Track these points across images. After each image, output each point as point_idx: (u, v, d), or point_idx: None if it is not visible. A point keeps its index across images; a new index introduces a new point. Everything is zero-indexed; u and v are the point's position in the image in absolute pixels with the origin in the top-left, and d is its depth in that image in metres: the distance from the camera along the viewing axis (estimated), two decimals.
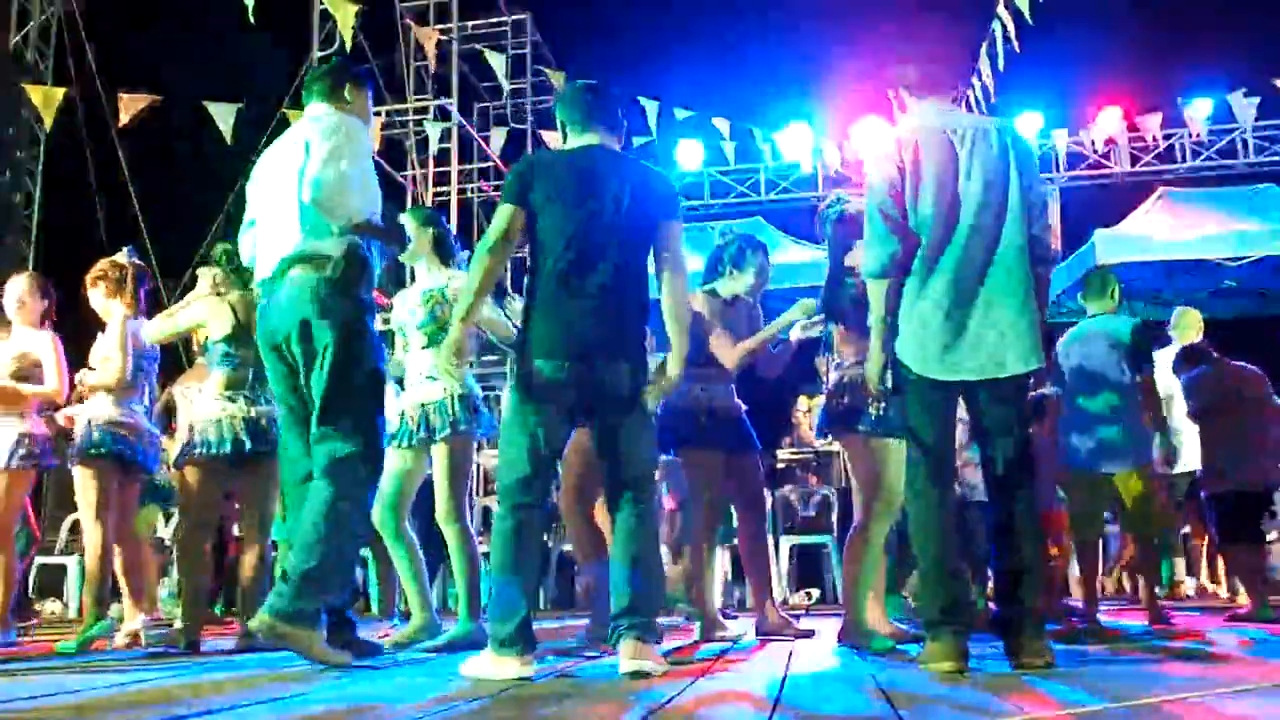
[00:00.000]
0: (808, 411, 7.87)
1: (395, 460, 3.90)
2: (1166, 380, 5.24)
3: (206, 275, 4.25)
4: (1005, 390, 2.94)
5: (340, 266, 3.25)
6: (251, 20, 7.59)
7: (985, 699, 2.29)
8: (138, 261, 4.63)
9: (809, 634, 4.16)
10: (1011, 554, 2.90)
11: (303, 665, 3.13)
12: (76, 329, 4.92)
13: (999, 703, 2.22)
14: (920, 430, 2.97)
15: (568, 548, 7.14)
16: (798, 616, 5.00)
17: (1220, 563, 6.59)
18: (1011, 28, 9.26)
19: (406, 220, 4.00)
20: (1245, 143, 11.11)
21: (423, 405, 3.91)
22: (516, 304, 3.69)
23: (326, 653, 3.12)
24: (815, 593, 7.36)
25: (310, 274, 3.25)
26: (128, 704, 2.47)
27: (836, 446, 5.62)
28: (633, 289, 2.96)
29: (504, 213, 2.97)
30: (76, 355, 4.75)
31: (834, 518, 7.22)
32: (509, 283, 10.79)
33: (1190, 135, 11.21)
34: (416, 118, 11.74)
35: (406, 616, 4.78)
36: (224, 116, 8.67)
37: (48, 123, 9.12)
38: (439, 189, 11.18)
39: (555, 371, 2.84)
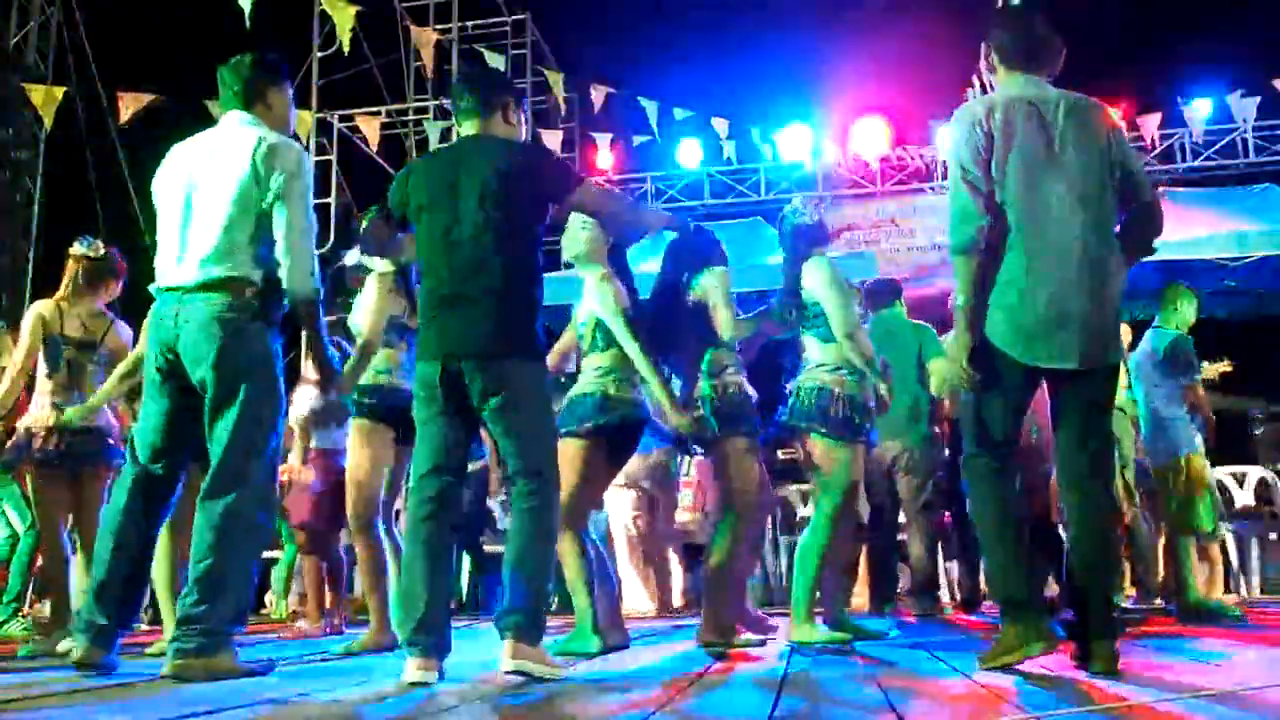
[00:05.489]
0: None
1: None
2: None
3: None
4: (1099, 379, 2.79)
5: (260, 293, 3.07)
6: (250, 21, 7.61)
7: (987, 694, 2.28)
8: (79, 251, 4.60)
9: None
10: (1081, 550, 2.75)
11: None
12: None
13: (1001, 700, 2.21)
14: (994, 421, 2.81)
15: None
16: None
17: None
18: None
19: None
20: (1245, 143, 11.11)
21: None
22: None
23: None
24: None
25: (228, 298, 3.03)
26: None
27: None
28: (509, 283, 2.86)
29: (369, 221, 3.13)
30: None
31: None
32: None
33: (1190, 135, 11.20)
34: (416, 118, 11.75)
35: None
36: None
37: (48, 123, 9.14)
38: None
39: (430, 373, 2.86)
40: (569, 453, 3.51)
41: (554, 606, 6.04)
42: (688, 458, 6.63)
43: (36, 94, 9.03)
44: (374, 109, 11.56)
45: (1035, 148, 2.76)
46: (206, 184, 3.10)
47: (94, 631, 3.01)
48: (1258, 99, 10.59)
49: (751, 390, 3.90)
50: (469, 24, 12.09)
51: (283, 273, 3.06)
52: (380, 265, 3.97)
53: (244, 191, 3.05)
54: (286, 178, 3.06)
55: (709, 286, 3.86)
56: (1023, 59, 2.89)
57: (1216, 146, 11.21)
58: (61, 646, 4.07)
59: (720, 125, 11.20)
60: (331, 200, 11.51)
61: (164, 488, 3.17)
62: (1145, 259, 2.95)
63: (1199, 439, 5.07)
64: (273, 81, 3.28)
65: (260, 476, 3.03)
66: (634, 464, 6.07)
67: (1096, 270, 2.74)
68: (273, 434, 3.09)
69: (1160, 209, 2.89)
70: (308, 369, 5.26)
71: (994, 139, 2.76)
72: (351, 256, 4.14)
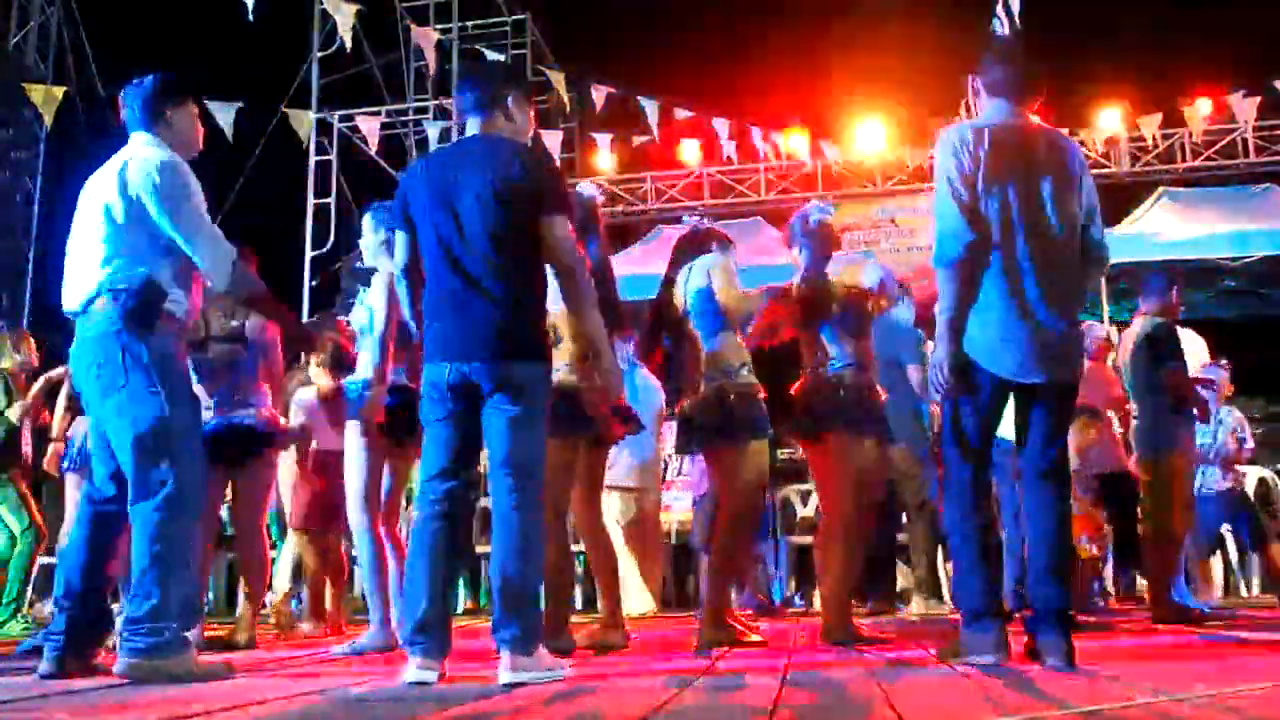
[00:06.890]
0: None
1: None
2: None
3: None
4: (1063, 394, 2.99)
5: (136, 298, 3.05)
6: (251, 15, 7.62)
7: (987, 695, 2.28)
8: None
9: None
10: (1040, 551, 2.91)
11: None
12: None
13: (1001, 700, 2.21)
14: (971, 432, 2.95)
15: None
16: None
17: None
18: (1007, 27, 9.28)
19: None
20: (1245, 143, 11.11)
21: None
22: None
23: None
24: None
25: (102, 313, 3.06)
26: None
27: None
28: (514, 285, 2.84)
29: (399, 242, 3.06)
30: None
31: None
32: None
33: (1190, 135, 11.20)
34: (416, 118, 11.76)
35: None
36: (224, 116, 8.68)
37: (48, 122, 9.13)
38: None
39: (435, 374, 2.86)
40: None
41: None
42: (686, 458, 6.63)
43: (36, 94, 9.02)
44: (374, 109, 11.57)
45: (1020, 177, 2.91)
46: (89, 207, 3.19)
47: (54, 646, 3.08)
48: (1258, 99, 10.59)
49: (760, 389, 3.92)
50: (469, 24, 12.11)
51: (209, 282, 3.14)
52: (388, 265, 3.97)
53: (110, 208, 3.10)
54: (153, 188, 3.07)
55: (710, 268, 3.91)
56: (1011, 93, 3.04)
57: (1216, 146, 11.21)
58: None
59: (720, 125, 11.20)
60: (331, 200, 11.52)
61: (111, 501, 3.19)
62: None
63: (1185, 438, 4.87)
64: (173, 101, 3.30)
65: (169, 480, 2.99)
66: (628, 465, 6.10)
67: (1067, 294, 2.95)
68: (171, 436, 3.04)
69: (1108, 252, 3.08)
70: (313, 373, 5.27)
71: (981, 162, 2.89)
72: (365, 242, 4.18)
